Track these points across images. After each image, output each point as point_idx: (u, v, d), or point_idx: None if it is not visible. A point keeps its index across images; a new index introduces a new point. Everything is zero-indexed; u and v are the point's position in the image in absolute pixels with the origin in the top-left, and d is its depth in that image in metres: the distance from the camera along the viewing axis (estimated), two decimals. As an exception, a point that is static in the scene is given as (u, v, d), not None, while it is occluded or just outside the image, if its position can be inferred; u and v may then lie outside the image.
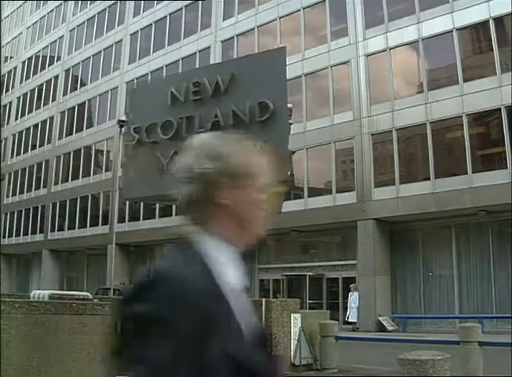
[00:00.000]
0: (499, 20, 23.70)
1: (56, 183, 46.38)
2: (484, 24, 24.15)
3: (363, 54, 27.99)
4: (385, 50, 27.27)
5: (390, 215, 25.49)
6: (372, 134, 26.76)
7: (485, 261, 23.77)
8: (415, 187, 24.74)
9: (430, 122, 24.77)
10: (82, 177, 43.47)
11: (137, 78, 38.72)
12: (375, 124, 26.68)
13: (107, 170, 40.99)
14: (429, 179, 24.43)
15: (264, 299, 10.81)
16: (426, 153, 24.86)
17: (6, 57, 59.78)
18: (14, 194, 52.02)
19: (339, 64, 28.87)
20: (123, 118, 34.41)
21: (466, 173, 23.20)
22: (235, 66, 4.45)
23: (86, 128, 44.36)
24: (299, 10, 31.09)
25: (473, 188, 22.75)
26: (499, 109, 22.77)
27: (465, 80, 24.08)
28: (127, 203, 38.00)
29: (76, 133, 45.29)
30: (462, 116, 23.80)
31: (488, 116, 23.93)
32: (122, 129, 30.71)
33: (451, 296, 24.60)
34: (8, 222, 51.37)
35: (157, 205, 36.02)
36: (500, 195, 20.85)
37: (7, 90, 57.55)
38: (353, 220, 26.23)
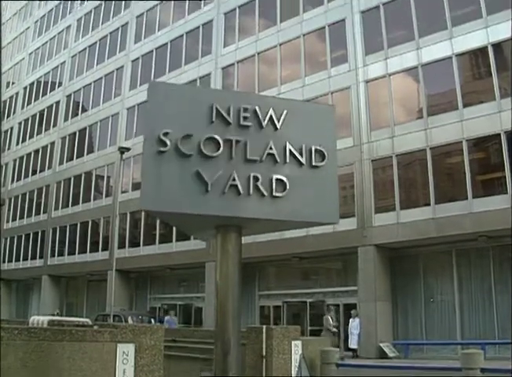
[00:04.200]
0: (497, 46, 23.87)
1: (56, 208, 46.35)
2: (482, 50, 24.32)
3: (363, 80, 28.11)
4: (384, 76, 27.39)
5: (391, 241, 25.41)
6: (372, 160, 26.79)
7: (487, 286, 23.62)
8: (415, 212, 24.69)
9: (430, 148, 24.79)
10: (83, 202, 43.45)
11: (138, 104, 38.88)
12: (375, 150, 26.73)
13: (107, 196, 41.00)
14: (429, 204, 24.39)
15: (264, 326, 10.69)
16: (426, 178, 24.86)
17: (8, 83, 60.23)
18: (14, 219, 51.96)
19: (339, 90, 28.98)
20: (124, 144, 34.65)
21: (467, 198, 23.17)
22: (287, 104, 4.49)
23: (87, 153, 44.47)
24: (299, 37, 31.30)
25: (473, 214, 22.70)
26: (499, 134, 22.80)
27: (464, 105, 24.16)
28: (127, 228, 37.97)
29: (77, 158, 45.39)
30: (461, 142, 23.84)
31: (488, 141, 23.96)
32: (123, 155, 31.05)
33: (453, 322, 24.42)
34: (8, 247, 51.23)
35: (157, 231, 36.04)
36: (501, 220, 20.76)
37: (8, 116, 57.88)
38: (354, 246, 26.15)
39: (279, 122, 4.83)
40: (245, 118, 4.74)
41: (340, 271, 29.86)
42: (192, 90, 5.88)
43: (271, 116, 4.79)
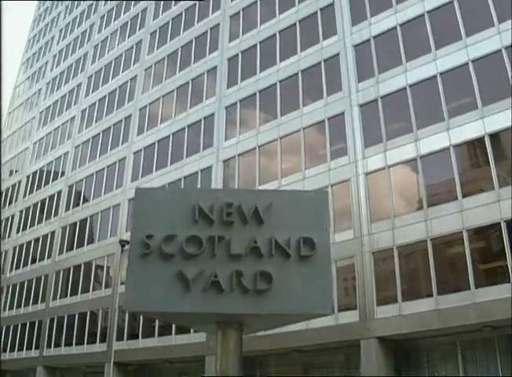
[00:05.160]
0: (494, 136, 24.31)
1: (54, 298, 45.83)
2: (480, 140, 24.76)
3: (362, 172, 28.41)
4: (384, 168, 27.70)
5: (394, 333, 25.01)
6: (373, 252, 26.72)
7: (493, 378, 23.11)
8: (418, 304, 24.42)
9: (431, 239, 24.81)
10: (81, 293, 42.99)
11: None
12: (376, 242, 26.72)
13: (106, 287, 40.65)
14: (431, 295, 24.13)
15: None
16: (427, 269, 24.70)
17: (11, 171, 60.99)
18: (11, 308, 51.23)
19: (339, 183, 29.23)
20: (125, 236, 34.74)
21: (469, 288, 22.93)
22: (273, 196, 4.56)
23: (87, 244, 44.39)
24: (299, 130, 31.90)
25: (477, 304, 22.40)
26: (499, 223, 22.88)
27: (464, 195, 24.31)
28: (126, 319, 37.45)
29: (77, 248, 45.26)
30: (462, 231, 23.88)
31: (488, 230, 23.99)
32: (124, 247, 31.03)
33: (459, 416, 23.74)
34: (3, 337, 50.30)
35: (156, 323, 35.50)
36: (505, 309, 20.51)
37: (10, 203, 58.21)
38: (356, 339, 25.74)
39: (264, 215, 4.88)
40: (228, 214, 4.82)
41: (342, 364, 29.24)
42: (177, 192, 6.05)
43: (255, 210, 4.84)
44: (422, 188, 26.28)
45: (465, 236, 23.79)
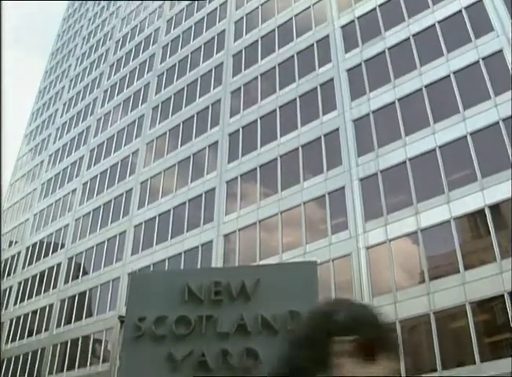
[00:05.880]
0: (494, 207, 24.36)
1: (50, 372, 44.85)
2: (480, 212, 24.77)
3: (363, 247, 28.31)
4: (385, 242, 27.64)
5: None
6: (375, 328, 26.34)
7: None
8: (421, 380, 23.94)
9: (434, 312, 24.51)
10: (79, 367, 42.17)
11: (138, 270, 38.98)
12: (378, 317, 26.35)
13: (104, 361, 39.89)
14: (436, 370, 23.64)
15: None
16: (431, 343, 24.31)
17: (11, 242, 60.85)
18: (7, 382, 50.22)
19: (340, 257, 29.11)
20: (124, 310, 34.28)
21: (475, 362, 22.51)
22: (261, 271, 4.55)
23: (86, 317, 43.81)
24: (300, 205, 32.01)
25: (483, 380, 21.98)
26: (502, 295, 22.65)
27: (465, 267, 24.13)
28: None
29: (75, 321, 44.66)
30: (465, 304, 23.61)
31: (492, 302, 23.74)
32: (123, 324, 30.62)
33: None
34: (-4, 414, 49.12)
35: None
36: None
37: (8, 274, 57.79)
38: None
39: (251, 291, 4.86)
40: (217, 293, 4.83)
41: None
42: (169, 274, 6.12)
43: (243, 287, 4.84)
44: (424, 261, 26.13)
45: (468, 309, 23.52)
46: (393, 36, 32.98)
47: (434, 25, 31.20)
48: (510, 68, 26.70)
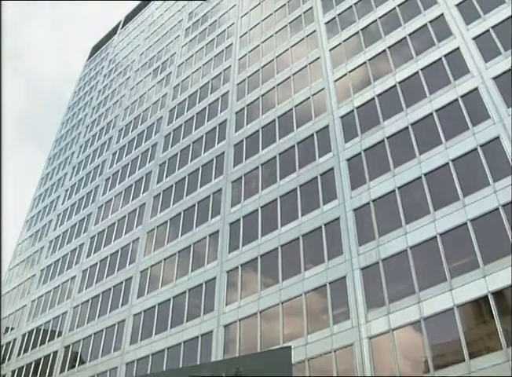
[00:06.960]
0: (498, 294, 24.10)
1: None
2: (483, 298, 24.53)
3: (366, 337, 27.94)
4: (388, 332, 27.29)
5: None
6: (380, 423, 25.76)
7: None
8: None
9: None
10: None
11: (137, 360, 38.34)
12: (382, 408, 25.83)
13: None
14: None
15: None
16: None
17: (7, 328, 60.01)
18: None
19: (342, 348, 28.68)
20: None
21: None
22: (241, 362, 4.57)
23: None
24: (301, 295, 31.84)
25: None
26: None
27: (471, 355, 23.66)
28: None
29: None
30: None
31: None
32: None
33: None
34: None
35: None
36: None
37: (3, 362, 56.69)
38: None
39: None
40: None
41: None
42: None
43: None
44: (428, 350, 25.70)
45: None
46: (392, 125, 33.80)
47: (432, 114, 32.04)
48: (507, 154, 27.21)
